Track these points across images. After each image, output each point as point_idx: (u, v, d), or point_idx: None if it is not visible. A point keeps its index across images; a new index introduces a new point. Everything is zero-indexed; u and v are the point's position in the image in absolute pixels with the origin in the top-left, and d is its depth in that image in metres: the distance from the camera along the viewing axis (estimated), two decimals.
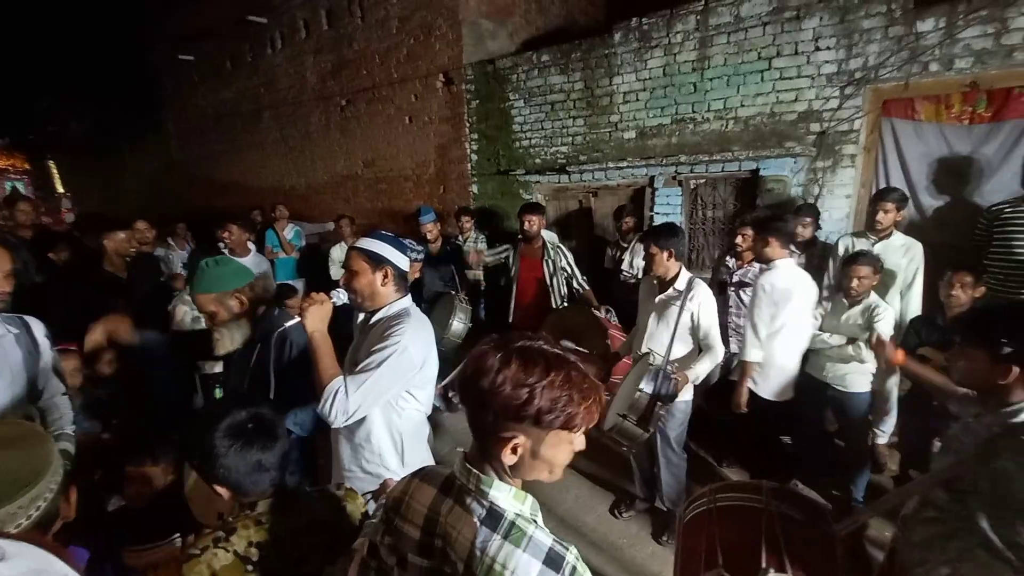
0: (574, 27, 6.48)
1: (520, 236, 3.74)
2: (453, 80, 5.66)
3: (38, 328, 1.78)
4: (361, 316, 1.79)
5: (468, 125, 5.69)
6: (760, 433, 3.17)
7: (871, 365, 2.68)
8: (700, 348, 2.54)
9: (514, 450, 0.82)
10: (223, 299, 1.83)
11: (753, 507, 1.54)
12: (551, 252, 3.65)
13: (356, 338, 1.78)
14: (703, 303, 2.46)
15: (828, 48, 3.53)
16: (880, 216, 2.99)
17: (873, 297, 2.68)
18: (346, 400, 1.48)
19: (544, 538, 0.81)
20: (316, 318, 1.59)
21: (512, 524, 0.81)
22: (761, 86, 3.86)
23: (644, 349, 2.56)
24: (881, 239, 3.02)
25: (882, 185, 3.55)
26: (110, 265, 3.32)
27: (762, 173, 3.94)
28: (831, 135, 3.63)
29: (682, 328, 2.45)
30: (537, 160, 5.26)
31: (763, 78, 3.84)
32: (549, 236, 3.85)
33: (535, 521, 0.85)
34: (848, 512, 1.60)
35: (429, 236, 4.20)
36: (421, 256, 3.35)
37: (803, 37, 3.60)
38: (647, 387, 2.28)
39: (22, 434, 1.02)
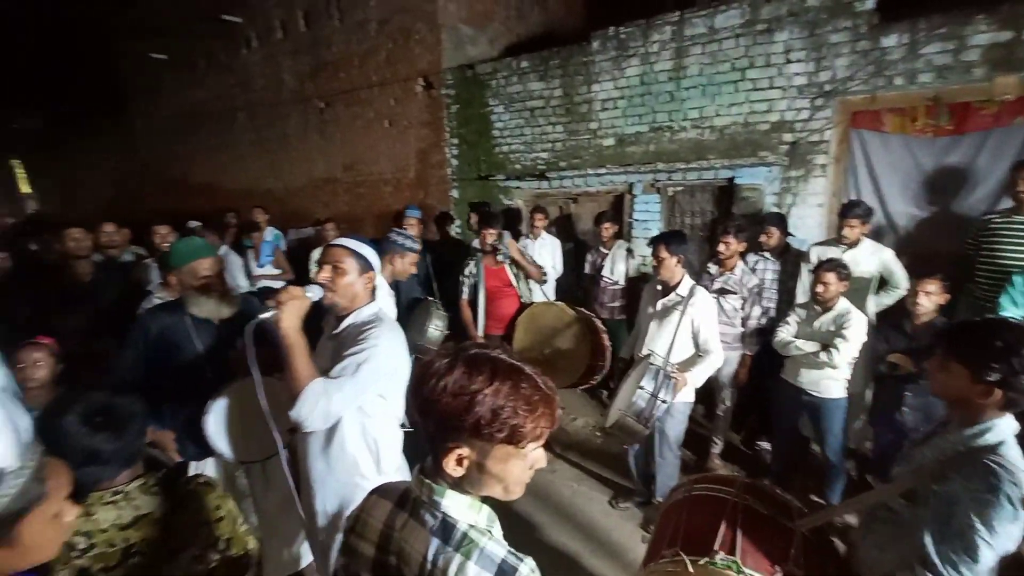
0: (554, 34, 6.52)
1: (480, 249, 3.69)
2: (433, 84, 5.63)
3: None
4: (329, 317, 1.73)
5: (448, 130, 5.66)
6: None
7: (845, 371, 2.74)
8: (700, 353, 2.63)
9: (459, 462, 0.79)
10: (216, 264, 2.02)
11: (722, 497, 1.66)
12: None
13: (322, 340, 1.74)
14: (704, 309, 2.57)
15: (799, 61, 3.63)
16: (846, 230, 3.09)
17: (844, 304, 2.75)
18: (328, 402, 1.43)
19: (497, 550, 0.78)
20: (293, 314, 1.49)
21: (464, 535, 0.79)
22: (735, 96, 3.94)
23: (645, 351, 2.62)
24: (850, 248, 3.11)
25: (852, 195, 3.66)
26: (72, 269, 3.18)
27: (737, 181, 4.02)
28: (802, 145, 3.72)
29: (683, 332, 2.54)
30: (517, 166, 5.26)
31: (737, 88, 3.92)
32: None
33: (490, 532, 0.82)
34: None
35: (412, 232, 4.14)
36: (417, 247, 3.22)
37: (774, 49, 3.69)
38: (648, 385, 2.34)
39: None
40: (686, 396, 2.64)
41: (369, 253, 1.66)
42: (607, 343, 3.24)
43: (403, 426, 1.78)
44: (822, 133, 3.65)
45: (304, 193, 7.62)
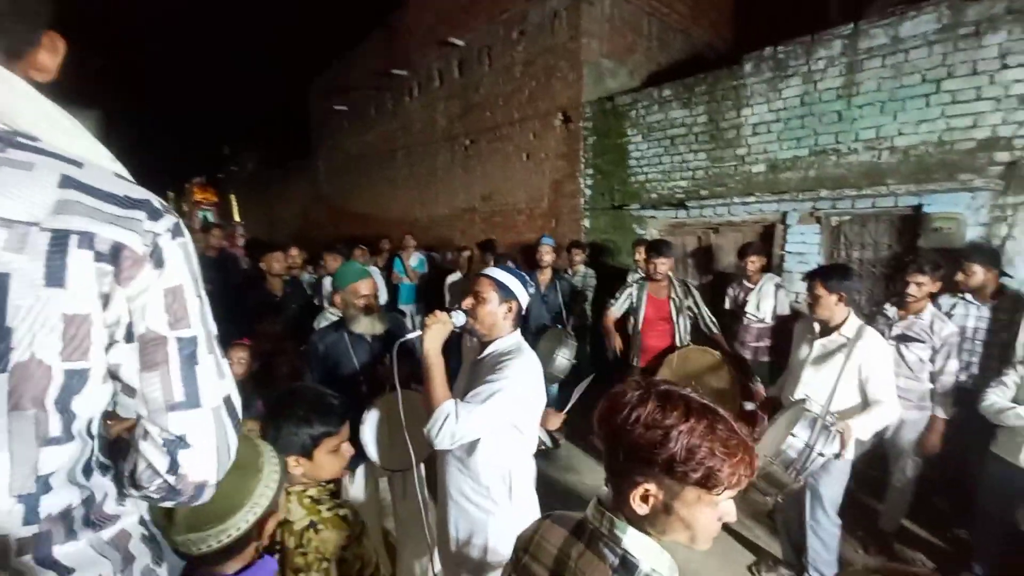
0: (700, 59, 6.31)
1: (646, 276, 3.64)
2: (571, 118, 5.79)
3: None
4: (470, 343, 1.81)
5: (583, 161, 5.75)
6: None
7: None
8: (867, 404, 2.27)
9: (644, 499, 0.75)
10: (372, 285, 2.23)
11: None
12: (678, 290, 3.51)
13: (465, 366, 1.81)
14: (875, 354, 2.24)
15: (1020, 66, 2.99)
16: None
17: None
18: (455, 424, 1.46)
19: None
20: (435, 337, 1.58)
21: None
22: (925, 112, 3.37)
23: (799, 395, 2.33)
24: None
25: None
26: (268, 284, 3.84)
27: (926, 210, 3.40)
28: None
29: (847, 379, 2.24)
30: (653, 195, 5.12)
31: (928, 103, 3.36)
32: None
33: None
34: None
35: (545, 259, 4.25)
36: (531, 291, 3.40)
37: (985, 55, 3.10)
38: (801, 434, 2.06)
39: (246, 462, 0.94)
40: (847, 452, 2.25)
41: (512, 283, 1.68)
42: (760, 415, 2.91)
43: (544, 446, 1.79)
44: None
45: (445, 222, 8.30)
